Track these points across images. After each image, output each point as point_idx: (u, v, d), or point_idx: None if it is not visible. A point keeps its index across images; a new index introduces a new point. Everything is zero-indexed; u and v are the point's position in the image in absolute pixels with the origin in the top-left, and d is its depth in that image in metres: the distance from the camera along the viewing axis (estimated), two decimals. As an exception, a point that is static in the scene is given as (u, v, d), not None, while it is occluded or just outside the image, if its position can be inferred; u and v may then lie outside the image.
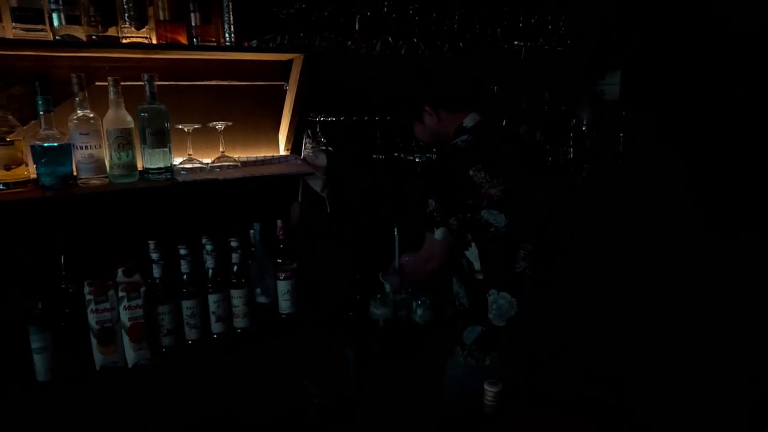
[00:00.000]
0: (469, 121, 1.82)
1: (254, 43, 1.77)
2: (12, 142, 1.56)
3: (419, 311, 2.20)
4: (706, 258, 2.78)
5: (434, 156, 2.22)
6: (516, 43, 2.46)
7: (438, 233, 1.74)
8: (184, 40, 1.70)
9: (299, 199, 2.15)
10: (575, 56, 2.65)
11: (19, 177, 1.58)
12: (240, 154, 2.01)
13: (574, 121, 2.77)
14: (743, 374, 2.46)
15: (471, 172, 1.69)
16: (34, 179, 1.62)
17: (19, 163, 1.58)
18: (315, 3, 1.93)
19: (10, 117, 1.59)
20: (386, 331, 2.16)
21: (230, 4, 1.74)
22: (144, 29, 1.64)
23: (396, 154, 2.27)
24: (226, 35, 1.76)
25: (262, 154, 2.05)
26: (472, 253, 1.78)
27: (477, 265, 1.79)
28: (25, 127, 1.63)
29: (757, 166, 2.97)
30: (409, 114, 1.89)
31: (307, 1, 1.89)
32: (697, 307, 2.74)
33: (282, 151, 2.11)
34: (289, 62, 1.97)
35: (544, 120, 2.72)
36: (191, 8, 1.70)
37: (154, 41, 1.67)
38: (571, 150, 2.56)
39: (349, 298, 2.22)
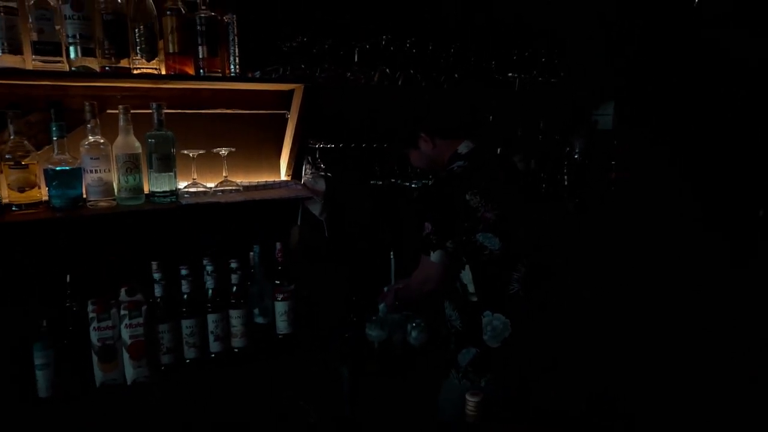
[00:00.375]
0: (463, 148, 1.90)
1: (257, 74, 1.87)
2: (27, 166, 1.65)
3: (414, 333, 2.24)
4: (706, 279, 2.83)
5: (430, 182, 2.30)
6: (510, 74, 2.56)
7: (434, 256, 1.80)
8: (191, 71, 1.80)
9: (299, 223, 2.23)
10: (568, 87, 2.74)
11: (31, 199, 1.67)
12: (243, 179, 2.10)
13: (568, 149, 2.86)
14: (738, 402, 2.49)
15: (467, 197, 1.76)
16: (45, 201, 1.70)
17: (33, 185, 1.67)
18: (316, 36, 2.04)
19: (26, 142, 1.68)
20: (381, 353, 2.21)
21: (236, 38, 1.84)
22: (154, 61, 1.74)
23: (393, 180, 2.35)
24: (231, 67, 1.86)
25: (264, 179, 2.14)
26: (467, 276, 1.84)
27: (471, 287, 1.85)
28: (39, 152, 1.73)
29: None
30: (405, 141, 1.98)
31: (308, 34, 2.00)
32: (694, 329, 2.77)
33: (283, 176, 2.19)
34: (291, 92, 2.07)
35: (540, 149, 2.81)
36: (199, 42, 1.80)
37: (164, 72, 1.77)
38: (565, 177, 2.63)
39: (346, 320, 2.27)
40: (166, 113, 1.82)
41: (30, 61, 1.59)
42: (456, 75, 2.35)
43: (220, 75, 1.84)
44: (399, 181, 2.33)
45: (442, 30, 2.37)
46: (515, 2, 2.59)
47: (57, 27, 1.60)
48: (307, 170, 2.19)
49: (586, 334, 2.08)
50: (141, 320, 1.79)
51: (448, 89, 2.28)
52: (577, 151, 2.70)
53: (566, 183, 2.63)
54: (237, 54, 1.86)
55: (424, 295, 1.98)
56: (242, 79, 1.84)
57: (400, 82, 2.22)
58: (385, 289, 2.12)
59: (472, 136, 1.94)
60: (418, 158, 2.00)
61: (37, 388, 1.71)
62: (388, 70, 2.17)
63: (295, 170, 2.16)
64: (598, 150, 2.80)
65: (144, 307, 1.80)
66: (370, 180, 2.30)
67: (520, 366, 1.85)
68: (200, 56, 1.81)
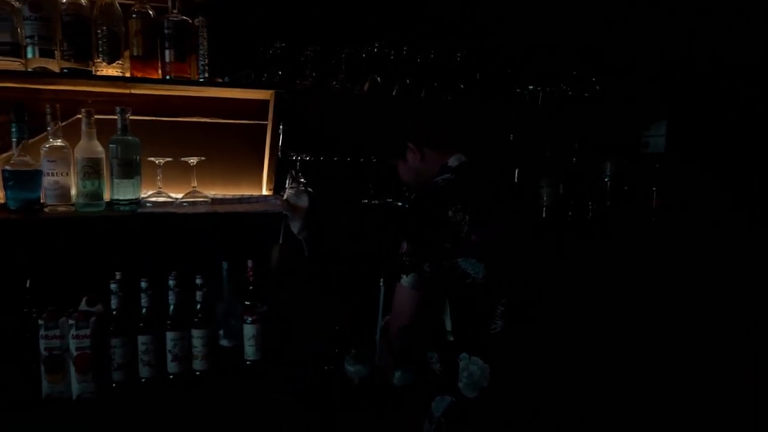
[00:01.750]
0: (453, 161, 1.68)
1: (226, 79, 1.78)
2: (-17, 168, 1.66)
3: (398, 373, 1.99)
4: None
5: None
6: (531, 87, 2.29)
7: (407, 279, 1.56)
8: (156, 75, 1.75)
9: (280, 241, 2.09)
10: (606, 104, 2.42)
11: (-13, 200, 1.67)
12: (220, 192, 2.01)
13: (607, 174, 2.50)
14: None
15: (450, 213, 1.53)
16: (3, 204, 1.70)
17: (-10, 187, 1.68)
18: (298, 43, 1.92)
19: (-14, 144, 1.70)
20: (360, 391, 1.99)
21: (205, 42, 1.77)
22: (116, 64, 1.71)
23: (389, 200, 2.15)
24: (200, 72, 1.79)
25: (244, 193, 2.03)
26: (445, 311, 1.60)
27: (448, 325, 1.60)
28: (2, 155, 1.73)
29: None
30: (393, 152, 1.79)
31: (288, 40, 1.89)
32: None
33: (264, 190, 2.07)
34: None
35: (570, 172, 2.49)
36: (166, 45, 1.75)
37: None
38: (590, 205, 2.29)
39: (325, 350, 2.07)
40: (137, 120, 1.78)
41: (-12, 62, 1.61)
42: (461, 86, 2.13)
43: (186, 79, 1.76)
44: (392, 200, 2.13)
45: (445, 35, 2.17)
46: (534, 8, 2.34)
47: (19, 29, 1.61)
48: (290, 185, 2.05)
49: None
50: (88, 332, 1.71)
51: (451, 101, 2.06)
52: (608, 173, 2.35)
53: (590, 213, 2.28)
54: (206, 61, 1.79)
55: (402, 332, 1.75)
56: (208, 83, 1.76)
57: (394, 92, 2.04)
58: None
59: (464, 149, 1.71)
60: (406, 171, 1.79)
61: (-18, 394, 1.67)
62: (379, 78, 2.00)
63: (276, 184, 2.04)
64: (641, 175, 2.43)
65: (93, 319, 1.73)
66: (361, 198, 2.11)
67: (501, 424, 1.56)
68: (167, 60, 1.76)
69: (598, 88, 2.38)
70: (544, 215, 2.40)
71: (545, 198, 2.43)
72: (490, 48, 2.24)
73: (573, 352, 1.73)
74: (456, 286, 1.56)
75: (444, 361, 1.64)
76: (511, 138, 2.38)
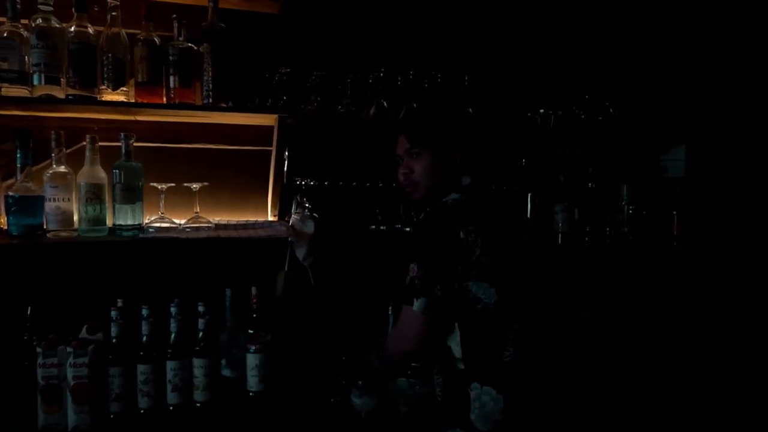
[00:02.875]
0: (466, 180, 1.64)
1: (230, 103, 1.77)
2: (-14, 193, 1.66)
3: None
4: None
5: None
6: (542, 111, 2.24)
7: (417, 304, 1.48)
8: (161, 101, 1.75)
9: (286, 268, 2.03)
10: (620, 127, 2.35)
11: (-10, 226, 1.66)
12: (225, 218, 1.98)
13: (624, 198, 2.40)
14: None
15: (462, 234, 1.47)
16: (5, 230, 1.69)
17: (-7, 213, 1.67)
18: (303, 69, 1.91)
19: (-7, 171, 1.70)
20: (367, 425, 1.88)
21: (210, 68, 1.77)
22: (121, 91, 1.71)
23: (397, 226, 2.09)
24: (205, 98, 1.78)
25: (248, 219, 2.00)
26: (454, 338, 1.52)
27: (458, 352, 1.52)
28: (8, 182, 1.73)
29: None
30: (423, 137, 1.62)
31: (293, 66, 1.88)
32: None
33: (269, 216, 2.04)
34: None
35: (587, 197, 2.40)
36: (171, 72, 1.75)
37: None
38: (608, 231, 2.20)
39: (332, 382, 1.99)
40: (140, 146, 1.78)
41: (-2, 90, 1.63)
42: (470, 110, 2.09)
43: (190, 104, 1.76)
44: (400, 227, 2.07)
45: (452, 60, 2.14)
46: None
47: (26, 57, 1.63)
48: (295, 210, 2.01)
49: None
50: (86, 360, 1.66)
51: (461, 125, 2.01)
52: (625, 197, 2.26)
53: (608, 239, 2.18)
54: (211, 87, 1.78)
55: (404, 357, 1.67)
56: (212, 108, 1.75)
57: (401, 116, 2.00)
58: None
59: (477, 170, 1.66)
60: (429, 168, 1.61)
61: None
62: (385, 103, 1.97)
63: (281, 210, 2.00)
64: (660, 200, 2.33)
65: (91, 347, 1.68)
66: (368, 224, 2.06)
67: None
68: (171, 86, 1.76)
69: (612, 111, 2.31)
70: (559, 242, 2.31)
71: (560, 224, 2.34)
72: (499, 70, 2.20)
73: (588, 383, 1.62)
74: (466, 311, 1.48)
75: (451, 391, 1.55)
76: (523, 162, 2.31)
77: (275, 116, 1.79)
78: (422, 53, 2.11)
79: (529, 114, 2.23)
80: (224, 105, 1.77)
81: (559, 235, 2.34)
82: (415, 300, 1.49)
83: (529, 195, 2.27)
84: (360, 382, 1.91)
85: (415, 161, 1.63)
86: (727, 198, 2.31)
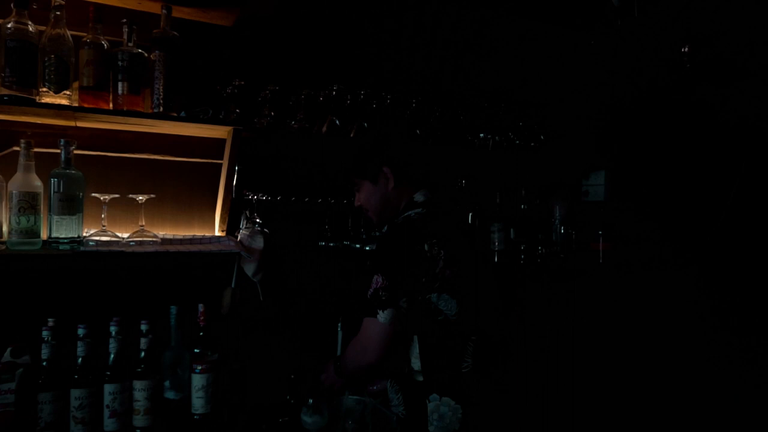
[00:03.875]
0: (419, 197, 1.68)
1: (182, 113, 1.71)
2: None
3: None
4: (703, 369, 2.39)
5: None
6: (482, 135, 2.36)
7: (383, 315, 1.48)
8: (107, 107, 1.65)
9: (233, 285, 1.96)
10: (549, 153, 2.52)
11: None
12: (171, 232, 1.89)
13: (556, 219, 2.57)
14: None
15: (426, 247, 1.51)
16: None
17: None
18: (257, 82, 1.89)
19: None
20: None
21: (162, 77, 1.71)
22: (63, 94, 1.60)
23: (346, 243, 2.09)
24: (155, 108, 1.71)
25: (195, 233, 1.92)
26: (413, 350, 1.53)
27: (417, 365, 1.53)
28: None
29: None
30: (359, 171, 1.70)
31: (246, 78, 1.86)
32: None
33: (217, 231, 1.97)
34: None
35: (520, 216, 2.54)
36: (119, 77, 1.67)
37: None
38: (540, 249, 2.34)
39: (281, 401, 1.92)
40: (82, 154, 1.67)
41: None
42: (417, 131, 2.16)
43: (140, 112, 1.68)
44: (349, 243, 2.07)
45: (401, 82, 2.21)
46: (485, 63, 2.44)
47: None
48: (245, 226, 1.96)
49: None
50: (12, 386, 1.51)
51: (408, 145, 2.07)
52: (557, 218, 2.42)
53: (539, 258, 2.32)
54: (162, 95, 1.71)
55: (362, 369, 1.65)
56: (162, 116, 1.67)
57: (352, 134, 2.03)
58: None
59: (429, 186, 1.71)
60: (370, 197, 1.70)
61: None
62: (338, 121, 1.99)
63: (230, 225, 1.94)
64: (584, 219, 2.51)
65: (19, 371, 1.53)
66: (318, 240, 2.04)
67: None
68: (119, 92, 1.67)
69: (542, 138, 2.48)
70: (496, 259, 2.41)
71: (497, 243, 2.45)
72: (445, 95, 2.30)
73: (543, 390, 1.69)
74: (427, 323, 1.51)
75: (411, 404, 1.56)
76: (463, 183, 2.41)
77: (229, 128, 1.75)
78: (375, 72, 2.15)
79: (469, 137, 2.34)
80: (176, 115, 1.71)
81: (496, 254, 2.44)
82: (380, 311, 1.49)
83: (470, 214, 2.36)
84: (310, 401, 1.86)
85: (359, 192, 1.73)
86: (643, 219, 2.54)
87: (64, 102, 1.60)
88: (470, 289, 1.58)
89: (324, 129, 1.98)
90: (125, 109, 1.67)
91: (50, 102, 1.57)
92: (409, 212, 1.62)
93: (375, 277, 1.50)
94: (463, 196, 2.39)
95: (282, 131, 1.89)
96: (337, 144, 1.98)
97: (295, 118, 1.93)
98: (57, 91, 1.59)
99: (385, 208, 1.70)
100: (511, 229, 2.47)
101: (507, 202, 2.50)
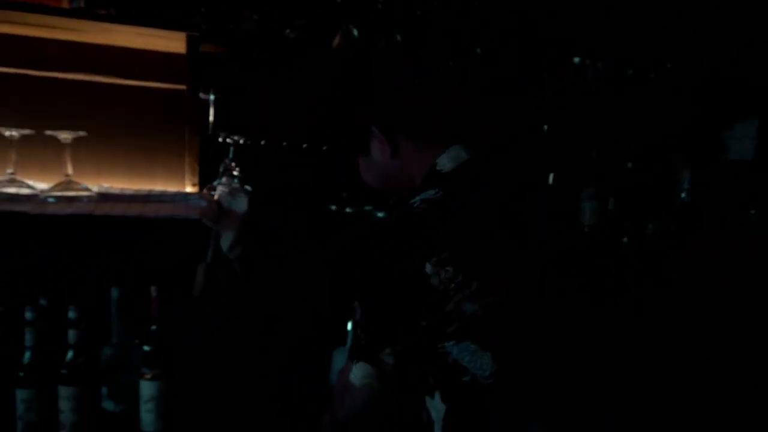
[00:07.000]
0: (446, 162, 1.01)
1: (112, 11, 1.14)
2: None
3: None
4: None
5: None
6: (577, 60, 1.60)
7: (356, 371, 0.93)
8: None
9: (208, 260, 1.44)
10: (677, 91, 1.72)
11: None
12: (123, 185, 1.37)
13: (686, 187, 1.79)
14: None
15: (428, 267, 0.88)
16: None
17: None
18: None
19: None
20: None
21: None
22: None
23: (366, 208, 1.48)
24: (74, 2, 1.15)
25: (157, 189, 1.39)
26: (435, 406, 0.92)
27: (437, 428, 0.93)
28: None
29: None
30: (347, 141, 1.12)
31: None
32: None
33: (187, 186, 1.42)
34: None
35: (626, 181, 1.79)
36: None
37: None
38: (654, 227, 1.59)
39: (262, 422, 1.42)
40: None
41: None
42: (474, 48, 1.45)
43: (53, 7, 1.14)
44: (373, 210, 1.46)
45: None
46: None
47: None
48: (225, 181, 1.40)
49: None
50: None
51: (453, 66, 1.39)
52: (685, 185, 1.64)
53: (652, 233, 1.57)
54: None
55: (339, 426, 1.07)
56: (83, 14, 1.13)
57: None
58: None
59: (468, 140, 1.03)
60: (368, 170, 1.11)
61: None
62: (356, 31, 1.33)
63: (201, 178, 1.39)
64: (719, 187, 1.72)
65: None
66: (326, 203, 1.44)
67: None
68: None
69: (669, 66, 1.68)
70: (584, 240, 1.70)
71: (588, 214, 1.73)
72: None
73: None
74: (449, 383, 0.91)
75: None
76: (545, 128, 1.68)
77: (182, 35, 1.16)
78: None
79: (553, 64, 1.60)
80: (103, 12, 1.14)
81: (586, 228, 1.73)
82: (354, 363, 0.94)
83: (551, 175, 1.65)
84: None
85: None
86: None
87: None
88: (529, 327, 0.93)
89: (336, 42, 1.33)
90: (37, 3, 1.13)
91: None
92: (416, 198, 0.96)
93: (355, 303, 0.91)
94: (540, 150, 1.67)
95: (270, 44, 1.26)
96: (352, 65, 1.33)
97: (292, 24, 1.30)
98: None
99: (390, 185, 1.09)
100: (610, 199, 1.73)
101: (608, 159, 1.75)
